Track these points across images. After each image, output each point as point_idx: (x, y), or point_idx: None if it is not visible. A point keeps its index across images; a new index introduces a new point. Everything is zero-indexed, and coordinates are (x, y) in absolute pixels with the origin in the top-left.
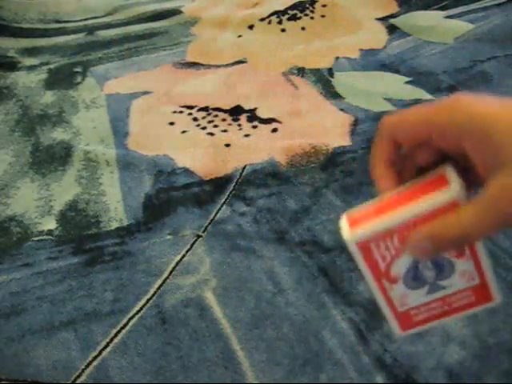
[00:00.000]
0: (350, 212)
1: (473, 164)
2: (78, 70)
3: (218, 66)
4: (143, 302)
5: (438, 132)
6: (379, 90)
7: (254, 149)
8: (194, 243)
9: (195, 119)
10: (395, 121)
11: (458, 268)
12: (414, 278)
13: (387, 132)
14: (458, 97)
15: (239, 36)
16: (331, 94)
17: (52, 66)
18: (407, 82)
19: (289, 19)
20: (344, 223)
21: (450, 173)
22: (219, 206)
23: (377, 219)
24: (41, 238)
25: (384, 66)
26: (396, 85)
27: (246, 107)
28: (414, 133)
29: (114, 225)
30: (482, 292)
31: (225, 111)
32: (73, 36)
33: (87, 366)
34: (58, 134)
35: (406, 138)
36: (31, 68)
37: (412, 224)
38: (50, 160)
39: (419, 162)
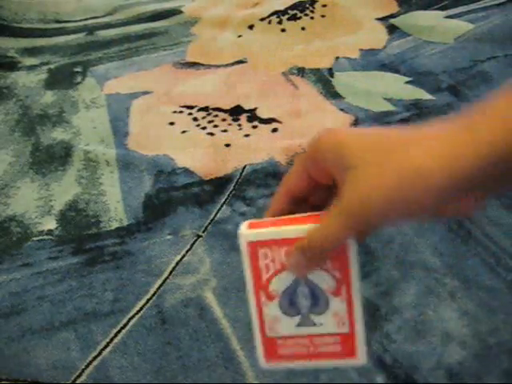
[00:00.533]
0: (250, 220)
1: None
2: (78, 69)
3: (218, 66)
4: (143, 301)
5: (311, 164)
6: (379, 89)
7: (254, 149)
8: (194, 243)
9: (195, 119)
10: (290, 173)
11: (332, 307)
12: (290, 302)
13: (305, 159)
14: (325, 129)
15: (239, 36)
16: (331, 93)
17: (52, 66)
18: (407, 82)
19: (289, 19)
20: (243, 226)
21: None
22: (219, 205)
23: (271, 228)
24: (41, 237)
25: (384, 66)
26: (396, 85)
27: (246, 107)
28: (297, 175)
29: (114, 225)
30: (348, 344)
31: (225, 111)
32: (73, 36)
33: (87, 366)
34: (58, 134)
35: (295, 184)
36: (31, 68)
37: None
38: (50, 160)
39: (314, 201)
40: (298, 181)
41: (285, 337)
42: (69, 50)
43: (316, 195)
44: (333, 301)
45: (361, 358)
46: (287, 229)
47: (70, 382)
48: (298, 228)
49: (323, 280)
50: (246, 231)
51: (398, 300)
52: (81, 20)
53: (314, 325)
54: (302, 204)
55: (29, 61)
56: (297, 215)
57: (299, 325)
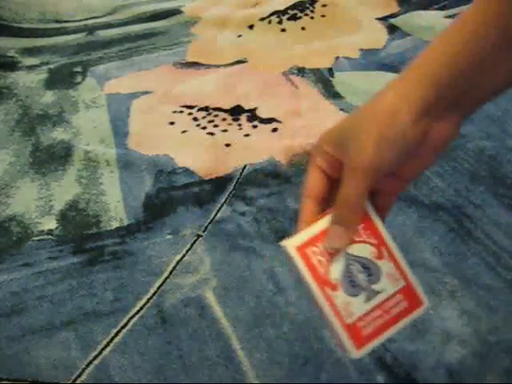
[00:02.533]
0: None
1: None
2: (78, 69)
3: (218, 66)
4: (143, 301)
5: (322, 161)
6: (379, 89)
7: (254, 149)
8: (194, 243)
9: (195, 119)
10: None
11: (383, 270)
12: (351, 282)
13: (314, 160)
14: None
15: (239, 36)
16: (331, 93)
17: (52, 66)
18: None
19: (289, 19)
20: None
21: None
22: (219, 205)
23: (308, 228)
24: (41, 237)
25: (384, 66)
26: None
27: (246, 107)
28: (315, 176)
29: (115, 224)
30: (410, 295)
31: (225, 111)
32: (73, 36)
33: (88, 366)
34: (58, 134)
35: (324, 161)
36: (31, 68)
37: None
38: (50, 160)
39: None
40: (316, 181)
41: (361, 317)
42: (69, 49)
43: (335, 193)
44: (381, 265)
45: (425, 303)
46: (322, 221)
47: (70, 381)
48: (329, 217)
49: (365, 251)
50: (288, 241)
51: None
52: (81, 20)
53: (378, 293)
54: (326, 206)
55: (29, 61)
56: (326, 212)
57: (366, 300)
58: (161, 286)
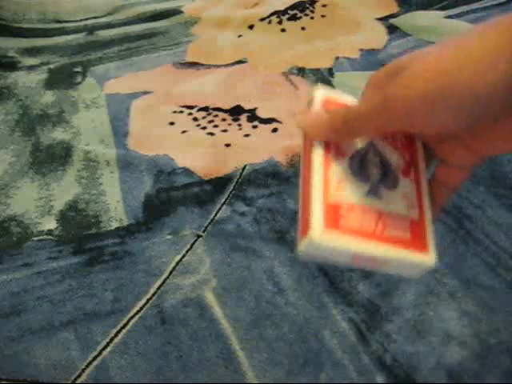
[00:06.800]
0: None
1: None
2: (78, 69)
3: (218, 66)
4: (143, 301)
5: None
6: None
7: (254, 149)
8: (194, 243)
9: (195, 119)
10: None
11: (402, 187)
12: (360, 166)
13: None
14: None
15: (239, 36)
16: None
17: (52, 66)
18: None
19: (289, 19)
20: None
21: None
22: (219, 205)
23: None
24: (41, 237)
25: (384, 66)
26: None
27: (246, 107)
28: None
29: (114, 225)
30: (418, 234)
31: (225, 111)
32: (73, 36)
33: (87, 366)
34: (58, 134)
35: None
36: (31, 68)
37: None
38: (50, 160)
39: None
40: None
41: (350, 206)
42: (69, 49)
43: None
44: (402, 181)
45: (432, 255)
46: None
47: (70, 382)
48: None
49: (392, 155)
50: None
51: (398, 300)
52: (81, 20)
53: (382, 199)
54: None
55: (29, 61)
56: None
57: (368, 194)
58: (161, 286)
